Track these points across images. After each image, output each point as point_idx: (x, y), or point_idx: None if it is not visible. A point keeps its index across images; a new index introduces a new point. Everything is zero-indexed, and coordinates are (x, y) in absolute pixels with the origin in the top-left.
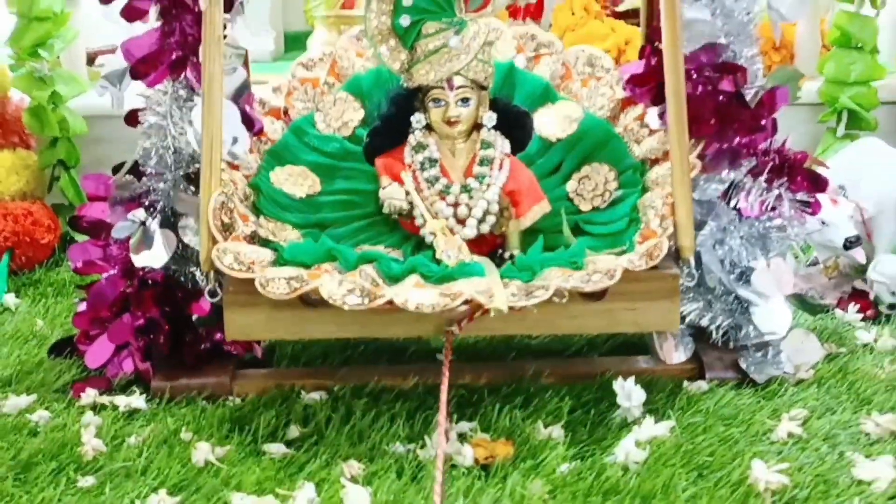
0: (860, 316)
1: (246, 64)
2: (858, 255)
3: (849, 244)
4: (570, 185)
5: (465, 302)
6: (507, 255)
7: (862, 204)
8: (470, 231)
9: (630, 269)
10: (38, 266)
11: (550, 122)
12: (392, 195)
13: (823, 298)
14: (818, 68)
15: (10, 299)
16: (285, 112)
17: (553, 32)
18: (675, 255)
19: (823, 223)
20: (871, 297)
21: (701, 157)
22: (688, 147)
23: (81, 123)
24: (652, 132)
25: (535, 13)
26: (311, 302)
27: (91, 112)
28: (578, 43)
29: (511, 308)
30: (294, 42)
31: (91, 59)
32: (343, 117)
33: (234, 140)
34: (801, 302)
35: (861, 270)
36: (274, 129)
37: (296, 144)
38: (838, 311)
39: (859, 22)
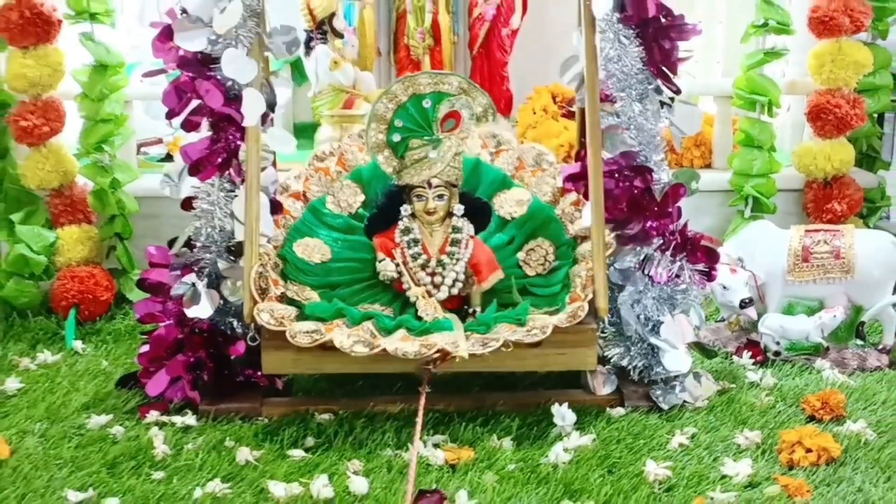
0: (752, 361)
1: (274, 163)
2: (751, 313)
3: (744, 304)
4: (521, 255)
5: (438, 350)
6: (471, 310)
7: (756, 273)
8: (443, 295)
9: (559, 325)
10: (99, 318)
11: (507, 205)
12: (385, 268)
13: (726, 346)
14: (728, 162)
15: (78, 345)
16: (304, 194)
17: (518, 128)
18: (594, 313)
19: (725, 288)
20: (762, 346)
21: (619, 236)
22: (604, 233)
23: (134, 203)
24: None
25: (505, 110)
26: (327, 347)
27: (141, 194)
28: (538, 138)
29: (471, 355)
30: (302, 131)
31: (138, 149)
32: (348, 200)
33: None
34: (700, 348)
35: (755, 325)
36: (295, 208)
37: (312, 221)
38: (736, 357)
39: (759, 126)
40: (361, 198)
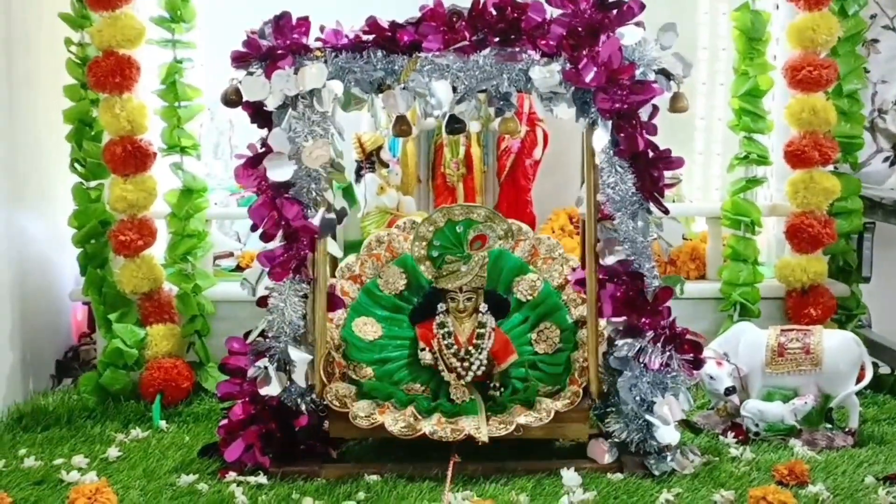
0: (735, 440)
1: (334, 267)
2: (735, 399)
3: (728, 392)
4: (532, 335)
5: (465, 435)
6: (492, 384)
7: (739, 366)
8: (469, 377)
9: (559, 410)
10: (180, 403)
11: (523, 288)
12: (424, 357)
13: (714, 429)
14: (718, 274)
15: (163, 425)
16: (360, 277)
17: None
18: (588, 395)
19: (712, 378)
20: (744, 427)
21: (618, 329)
22: (598, 330)
23: (211, 306)
24: (584, 301)
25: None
26: None
27: (217, 298)
28: None
29: (490, 438)
30: (351, 248)
31: (213, 261)
32: (395, 283)
33: None
34: (688, 425)
35: (739, 411)
36: (354, 290)
37: (366, 301)
38: (722, 437)
39: (744, 243)
40: (405, 281)
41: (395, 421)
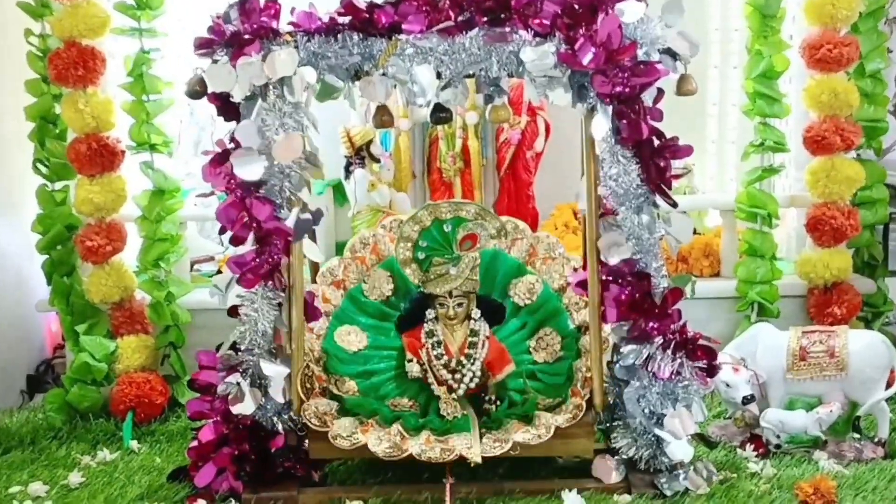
0: (754, 453)
1: (316, 271)
2: (753, 408)
3: (746, 401)
4: (531, 343)
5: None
6: (486, 398)
7: (758, 372)
8: (462, 390)
9: (560, 426)
10: (154, 420)
11: (521, 292)
12: (412, 369)
13: (732, 441)
14: (734, 271)
15: (135, 445)
16: (343, 283)
17: None
18: (592, 408)
19: (728, 385)
20: (764, 439)
21: (623, 336)
22: (601, 337)
23: (187, 315)
24: (586, 304)
25: (531, 226)
26: None
27: (194, 306)
28: None
29: (485, 457)
30: (341, 248)
31: (191, 266)
32: (381, 288)
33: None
34: (702, 439)
35: (758, 421)
36: (336, 296)
37: (350, 308)
38: (740, 450)
39: (761, 237)
40: (392, 286)
41: (379, 441)
